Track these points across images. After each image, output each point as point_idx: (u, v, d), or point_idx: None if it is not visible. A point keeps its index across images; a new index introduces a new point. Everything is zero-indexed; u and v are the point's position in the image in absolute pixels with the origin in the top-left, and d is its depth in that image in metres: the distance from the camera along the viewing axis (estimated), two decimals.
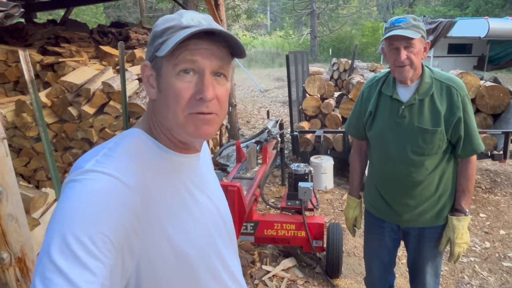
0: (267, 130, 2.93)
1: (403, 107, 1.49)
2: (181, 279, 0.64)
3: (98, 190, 0.55)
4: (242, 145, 2.82)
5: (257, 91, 11.36)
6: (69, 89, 3.03)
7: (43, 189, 3.01)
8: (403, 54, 1.39)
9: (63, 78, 3.03)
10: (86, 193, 0.54)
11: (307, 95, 4.81)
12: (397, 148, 1.53)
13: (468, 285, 2.56)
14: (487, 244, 3.08)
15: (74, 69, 3.24)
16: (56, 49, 3.39)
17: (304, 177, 2.65)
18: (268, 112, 3.90)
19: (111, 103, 3.06)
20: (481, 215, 3.59)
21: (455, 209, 1.56)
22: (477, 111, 4.09)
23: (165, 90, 0.63)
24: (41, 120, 2.30)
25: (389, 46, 1.44)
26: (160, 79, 0.64)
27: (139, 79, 3.42)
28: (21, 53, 2.12)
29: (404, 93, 1.50)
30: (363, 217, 1.83)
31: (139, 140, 0.65)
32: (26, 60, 2.17)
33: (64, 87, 3.02)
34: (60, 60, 3.27)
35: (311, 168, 2.71)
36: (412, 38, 1.37)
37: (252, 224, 2.62)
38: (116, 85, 3.02)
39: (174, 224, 0.63)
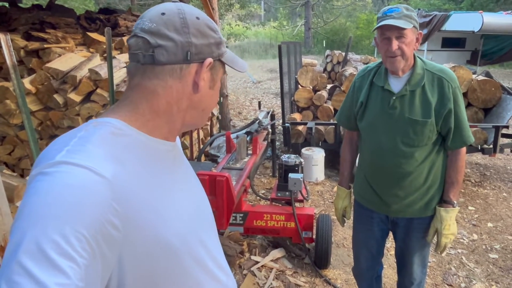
0: (258, 121, 2.89)
1: (394, 98, 1.47)
2: (167, 269, 0.62)
3: (71, 184, 0.50)
4: (232, 135, 2.79)
5: (250, 82, 11.28)
6: (54, 76, 2.95)
7: (28, 178, 2.95)
8: (395, 44, 1.37)
9: (48, 65, 2.94)
10: (58, 188, 0.50)
11: (300, 86, 4.78)
12: (388, 139, 1.52)
13: (455, 276, 2.59)
14: (475, 236, 3.12)
15: (60, 55, 3.14)
16: (41, 34, 3.29)
17: (294, 168, 2.63)
18: (259, 103, 3.86)
19: (98, 91, 2.99)
20: (470, 208, 3.63)
21: (444, 201, 1.56)
22: (468, 105, 4.10)
23: (216, 90, 0.71)
24: (24, 107, 2.23)
25: (380, 36, 1.42)
26: (213, 79, 0.69)
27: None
28: (2, 37, 2.04)
29: (396, 84, 1.49)
30: (352, 207, 1.82)
31: (114, 128, 0.61)
32: (8, 44, 2.09)
33: (49, 73, 2.94)
34: (45, 46, 3.17)
35: (302, 160, 2.69)
36: (404, 28, 1.34)
37: (241, 215, 2.60)
38: (104, 72, 2.95)
39: (156, 214, 0.60)
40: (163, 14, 0.63)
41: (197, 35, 0.64)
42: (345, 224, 1.89)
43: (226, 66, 0.72)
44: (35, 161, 0.58)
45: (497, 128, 3.77)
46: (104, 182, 0.53)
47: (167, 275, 0.62)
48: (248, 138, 2.68)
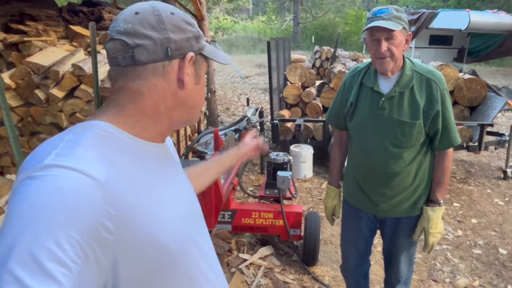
0: (247, 118, 2.86)
1: (383, 99, 1.48)
2: (161, 271, 0.61)
3: (62, 187, 0.49)
4: (220, 132, 2.74)
5: (238, 77, 11.21)
6: (35, 71, 2.84)
7: (8, 176, 2.85)
8: (384, 45, 1.37)
9: (28, 59, 2.84)
10: (49, 192, 0.48)
11: (288, 83, 4.76)
12: (376, 140, 1.52)
13: (440, 272, 2.63)
14: (459, 232, 3.18)
15: (41, 49, 3.03)
16: (21, 27, 3.16)
17: (283, 166, 2.61)
18: (248, 100, 3.82)
19: (82, 86, 2.89)
20: (455, 204, 3.69)
21: (430, 200, 1.58)
22: (454, 103, 4.16)
23: (202, 85, 0.70)
24: (3, 103, 2.14)
25: (370, 37, 1.42)
26: (197, 74, 0.68)
27: None
28: None
29: (385, 85, 1.49)
30: (341, 206, 1.82)
31: (103, 131, 0.60)
32: None
33: (30, 68, 2.83)
34: (25, 39, 3.06)
35: (291, 157, 2.68)
36: (393, 30, 1.34)
37: (229, 213, 2.58)
38: (88, 68, 2.85)
39: (150, 216, 0.59)
40: (136, 13, 0.62)
41: (174, 30, 0.63)
42: (334, 222, 1.89)
43: (211, 60, 0.71)
44: (21, 166, 0.56)
45: (482, 126, 3.84)
46: (96, 185, 0.52)
47: (162, 276, 0.62)
48: (236, 136, 2.64)
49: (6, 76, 2.81)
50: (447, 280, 2.56)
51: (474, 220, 3.39)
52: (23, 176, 0.51)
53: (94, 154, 0.55)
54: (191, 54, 0.65)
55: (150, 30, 0.61)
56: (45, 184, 0.49)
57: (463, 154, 5.06)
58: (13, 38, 3.03)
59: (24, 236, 0.45)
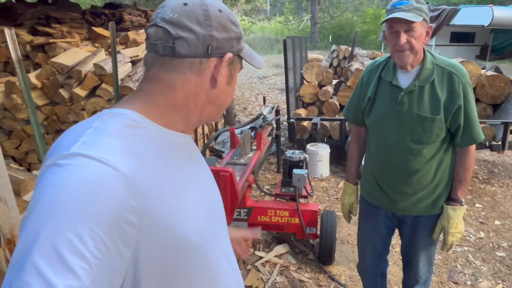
0: (262, 116, 2.87)
1: (402, 93, 1.44)
2: (183, 266, 0.61)
3: (86, 179, 0.48)
4: (236, 131, 2.77)
5: (255, 78, 11.23)
6: (59, 71, 2.95)
7: (35, 172, 2.96)
8: (403, 38, 1.33)
9: (53, 59, 2.95)
10: (73, 182, 0.48)
11: (305, 81, 4.74)
12: (395, 136, 1.49)
13: (460, 274, 2.56)
14: (482, 234, 3.08)
15: (65, 50, 3.15)
16: (47, 29, 3.29)
17: (298, 164, 2.61)
18: (264, 98, 3.84)
19: (103, 85, 2.98)
20: (477, 205, 3.58)
21: (451, 199, 1.53)
22: (477, 100, 4.03)
23: (233, 86, 0.70)
24: (29, 101, 2.23)
25: (389, 29, 1.38)
26: (231, 74, 0.67)
27: (132, 62, 3.33)
28: (6, 31, 2.04)
29: (404, 79, 1.45)
30: (358, 204, 1.80)
31: (130, 120, 0.58)
32: (13, 39, 2.09)
33: (55, 68, 2.94)
34: (50, 41, 3.18)
35: (306, 155, 2.67)
36: (412, 22, 1.30)
37: (245, 210, 2.59)
38: (108, 67, 2.94)
39: (174, 210, 0.59)
40: (185, 4, 0.60)
41: (219, 28, 0.62)
42: (351, 220, 1.87)
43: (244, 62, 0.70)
44: (49, 150, 0.56)
45: (506, 125, 3.70)
46: (120, 177, 0.51)
47: (183, 271, 0.61)
48: (252, 134, 2.66)
49: (32, 76, 2.93)
50: (468, 282, 2.49)
51: (497, 222, 3.28)
52: (50, 162, 0.52)
53: (120, 144, 0.54)
54: (230, 54, 0.63)
55: (195, 24, 0.59)
56: (70, 174, 0.49)
57: (486, 154, 4.89)
58: (39, 40, 3.16)
59: (47, 228, 0.45)
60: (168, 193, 0.58)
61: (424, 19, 1.33)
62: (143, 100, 0.62)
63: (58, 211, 0.46)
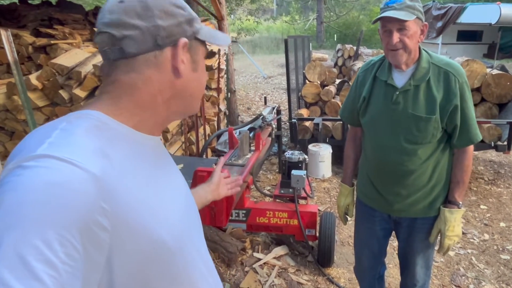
0: (262, 116, 2.85)
1: (397, 93, 1.42)
2: (160, 269, 0.59)
3: (54, 181, 0.46)
4: (235, 131, 2.75)
5: (261, 78, 11.21)
6: (59, 72, 2.97)
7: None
8: (396, 37, 1.31)
9: (53, 61, 2.96)
10: (40, 185, 0.45)
11: (307, 81, 4.70)
12: (390, 136, 1.47)
13: (463, 277, 2.51)
14: (486, 236, 3.02)
15: (66, 51, 3.16)
16: (49, 31, 3.32)
17: (298, 164, 2.58)
18: (265, 99, 3.81)
19: None
20: (482, 206, 3.51)
21: (448, 201, 1.50)
22: (482, 100, 3.96)
23: (201, 72, 0.66)
24: (26, 103, 2.24)
25: (382, 28, 1.37)
26: (194, 60, 0.65)
27: None
28: (3, 33, 2.05)
29: (399, 78, 1.43)
30: (355, 205, 1.77)
31: (98, 121, 0.57)
32: (9, 40, 2.10)
33: (55, 69, 2.96)
34: (52, 42, 3.20)
35: (306, 156, 2.65)
36: (405, 20, 1.28)
37: (244, 212, 2.58)
38: None
39: (148, 212, 0.57)
40: (121, 2, 0.58)
41: (162, 16, 0.59)
42: (347, 222, 1.84)
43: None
44: (11, 153, 0.53)
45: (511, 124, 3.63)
46: (91, 179, 0.48)
47: (161, 275, 0.59)
48: (251, 134, 2.64)
49: (33, 78, 2.95)
50: (471, 286, 2.43)
51: (502, 224, 3.21)
52: (13, 165, 0.48)
53: (89, 145, 0.52)
54: (183, 40, 0.61)
55: (136, 19, 0.57)
56: (36, 176, 0.46)
57: (492, 154, 4.80)
58: (41, 41, 3.18)
59: (11, 234, 0.42)
60: (141, 195, 0.56)
61: (418, 17, 1.31)
62: (109, 102, 0.61)
63: (23, 216, 0.43)
